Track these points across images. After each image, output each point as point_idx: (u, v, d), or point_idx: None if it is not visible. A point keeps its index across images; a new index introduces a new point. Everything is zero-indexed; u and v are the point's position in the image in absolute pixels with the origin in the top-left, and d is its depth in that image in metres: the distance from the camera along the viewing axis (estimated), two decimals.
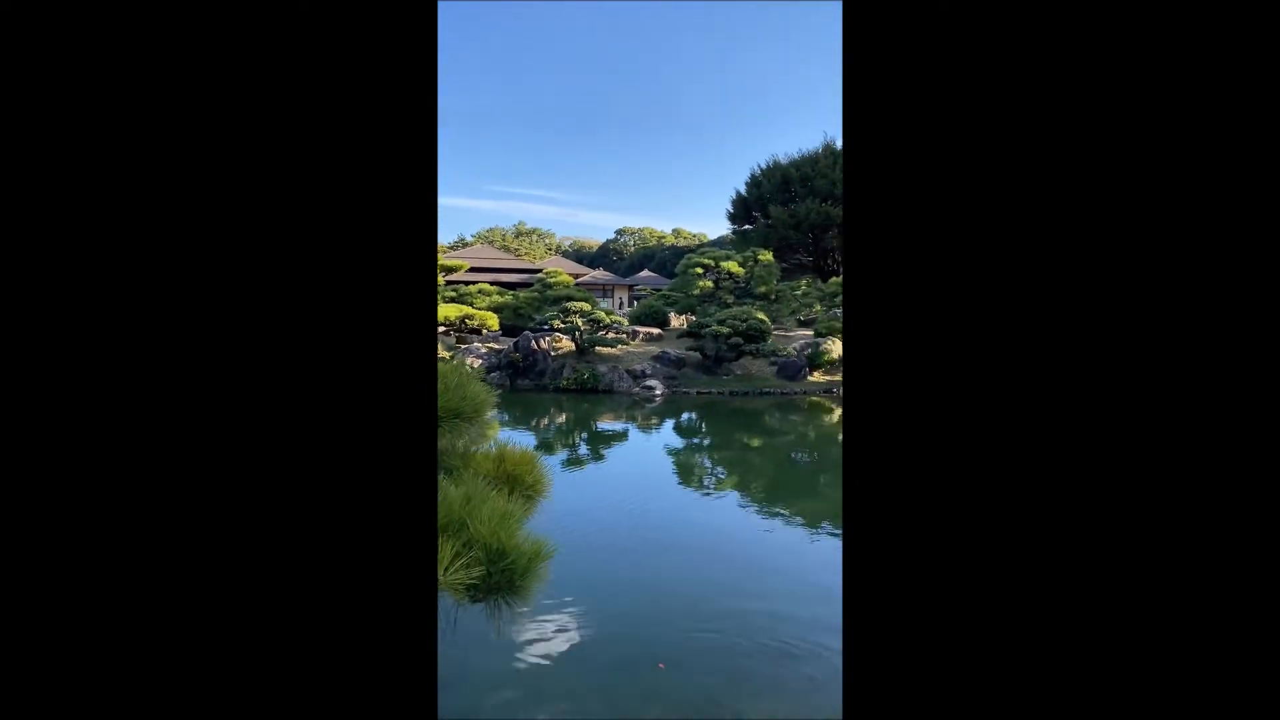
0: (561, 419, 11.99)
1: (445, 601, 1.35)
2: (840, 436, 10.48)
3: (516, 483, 1.87)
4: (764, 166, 28.63)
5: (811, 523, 6.03)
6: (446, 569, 1.25)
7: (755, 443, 10.11)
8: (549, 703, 3.00)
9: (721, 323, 14.79)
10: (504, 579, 1.35)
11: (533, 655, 3.28)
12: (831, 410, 12.45)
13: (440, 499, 1.49)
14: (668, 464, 8.76)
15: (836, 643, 3.53)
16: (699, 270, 18.05)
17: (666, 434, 11.01)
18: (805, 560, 5.05)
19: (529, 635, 3.45)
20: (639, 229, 58.76)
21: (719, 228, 72.37)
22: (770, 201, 27.17)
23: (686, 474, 8.36)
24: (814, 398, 13.83)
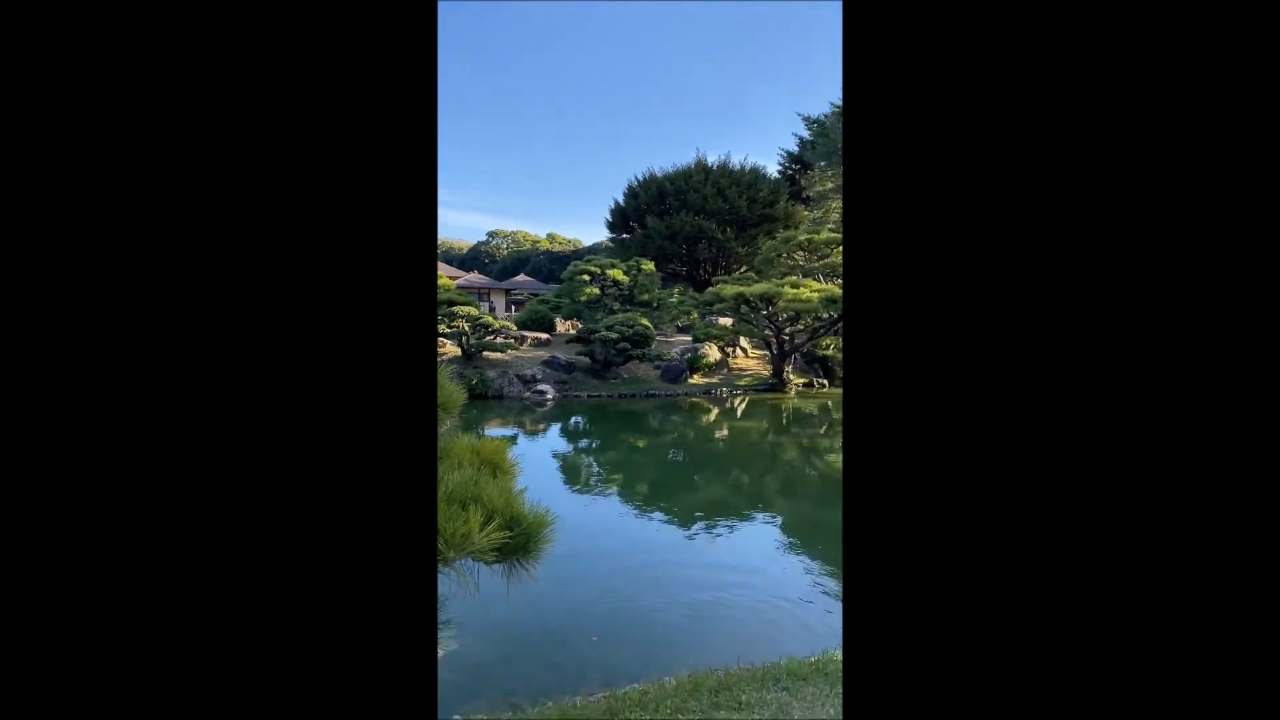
0: (445, 426, 11.74)
1: (468, 564, 1.60)
2: (717, 433, 11.30)
3: (495, 468, 2.11)
4: (641, 179, 29.65)
5: (683, 514, 6.59)
6: (480, 534, 1.51)
7: (641, 443, 10.63)
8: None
9: (610, 328, 15.24)
10: (521, 541, 1.61)
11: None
12: (710, 410, 13.33)
13: (449, 481, 1.73)
14: (583, 461, 9.00)
15: (665, 606, 4.05)
16: (586, 277, 18.42)
17: (563, 434, 11.21)
18: (665, 546, 5.57)
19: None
20: (512, 232, 57.89)
21: (594, 234, 73.19)
22: (647, 212, 28.20)
23: (586, 470, 8.66)
24: (694, 399, 14.69)
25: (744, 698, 2.38)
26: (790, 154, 32.33)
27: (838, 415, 12.82)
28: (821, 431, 11.52)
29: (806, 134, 30.85)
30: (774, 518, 6.58)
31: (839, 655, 2.83)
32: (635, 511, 6.74)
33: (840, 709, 2.21)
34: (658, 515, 6.61)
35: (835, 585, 4.49)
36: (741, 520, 6.44)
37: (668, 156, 74.32)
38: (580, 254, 33.15)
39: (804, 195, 29.05)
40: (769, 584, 4.58)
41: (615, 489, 7.84)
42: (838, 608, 4.17)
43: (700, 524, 6.21)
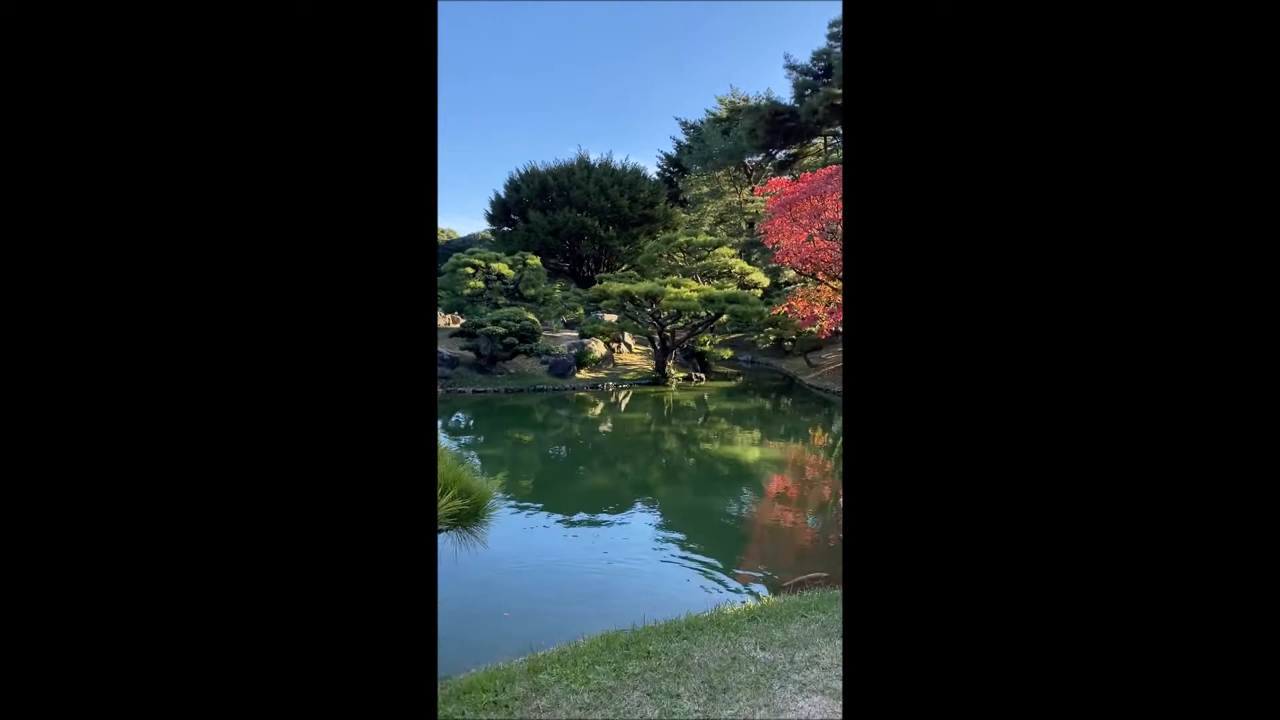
0: None
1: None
2: (602, 426, 11.69)
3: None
4: (523, 171, 29.33)
5: (575, 501, 6.91)
6: (442, 502, 1.71)
7: (527, 437, 10.75)
8: None
9: (496, 323, 15.09)
10: (472, 509, 1.82)
11: None
12: (596, 404, 13.68)
13: None
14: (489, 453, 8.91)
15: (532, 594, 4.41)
16: (469, 270, 18.02)
17: (446, 431, 11.02)
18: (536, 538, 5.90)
19: None
20: None
21: (469, 225, 70.84)
22: (530, 207, 27.98)
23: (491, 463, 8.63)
24: (581, 393, 14.96)
25: (651, 648, 2.72)
26: (668, 157, 33.47)
27: (714, 407, 13.69)
28: (699, 422, 12.27)
29: (684, 138, 32.13)
30: (655, 503, 7.05)
31: (729, 609, 3.27)
32: (520, 501, 6.91)
33: (734, 652, 2.62)
34: (548, 501, 6.84)
35: (714, 558, 5.01)
36: (629, 506, 6.85)
37: (547, 151, 73.61)
38: (456, 245, 32.12)
39: (681, 198, 30.23)
40: (658, 558, 5.00)
41: (496, 483, 7.94)
42: (721, 575, 4.68)
43: (591, 511, 6.53)
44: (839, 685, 2.36)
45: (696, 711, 2.17)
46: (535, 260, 19.43)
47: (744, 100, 29.65)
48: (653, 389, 15.83)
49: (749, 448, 10.16)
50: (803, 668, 2.48)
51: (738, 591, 4.27)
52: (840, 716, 2.17)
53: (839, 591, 3.48)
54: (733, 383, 17.24)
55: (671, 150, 33.37)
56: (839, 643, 2.69)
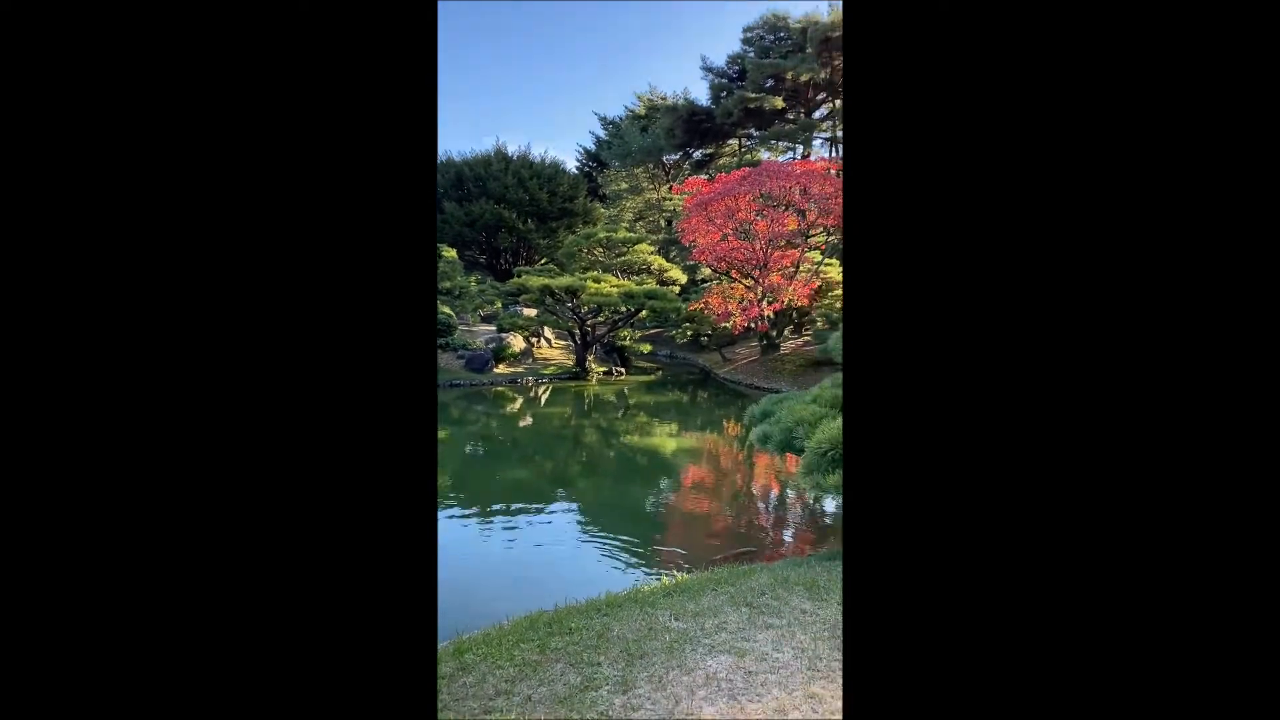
0: None
1: None
2: (522, 421, 11.68)
3: None
4: (439, 161, 28.46)
5: (495, 494, 6.97)
6: None
7: (443, 434, 10.60)
8: None
9: None
10: None
11: None
12: (515, 399, 13.63)
13: None
14: None
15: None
16: None
17: None
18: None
19: None
20: None
21: None
22: (444, 197, 27.21)
23: None
24: (499, 388, 14.83)
25: (573, 625, 2.88)
26: (588, 152, 33.48)
27: (633, 400, 13.97)
28: (619, 416, 12.51)
29: (603, 134, 32.23)
30: (576, 495, 7.20)
31: (646, 587, 3.49)
32: (439, 497, 6.87)
33: (650, 623, 2.83)
34: (468, 497, 6.83)
35: (634, 544, 5.24)
36: (550, 499, 6.96)
37: (462, 142, 71.49)
38: None
39: (601, 193, 30.36)
40: (580, 546, 5.16)
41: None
42: (641, 558, 4.90)
43: (511, 505, 6.59)
44: (743, 645, 2.62)
45: (616, 675, 2.36)
46: (451, 252, 18.99)
47: (662, 99, 30.13)
48: (573, 383, 15.92)
49: (667, 439, 10.48)
50: (712, 633, 2.73)
51: (655, 572, 4.50)
52: (742, 672, 2.43)
53: (746, 566, 3.78)
54: (652, 376, 17.61)
55: (591, 145, 33.41)
56: (744, 610, 2.96)
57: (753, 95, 24.98)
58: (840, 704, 2.23)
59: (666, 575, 3.86)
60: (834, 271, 16.93)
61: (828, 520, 6.05)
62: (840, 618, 2.91)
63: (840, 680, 2.38)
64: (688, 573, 3.88)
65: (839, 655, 2.56)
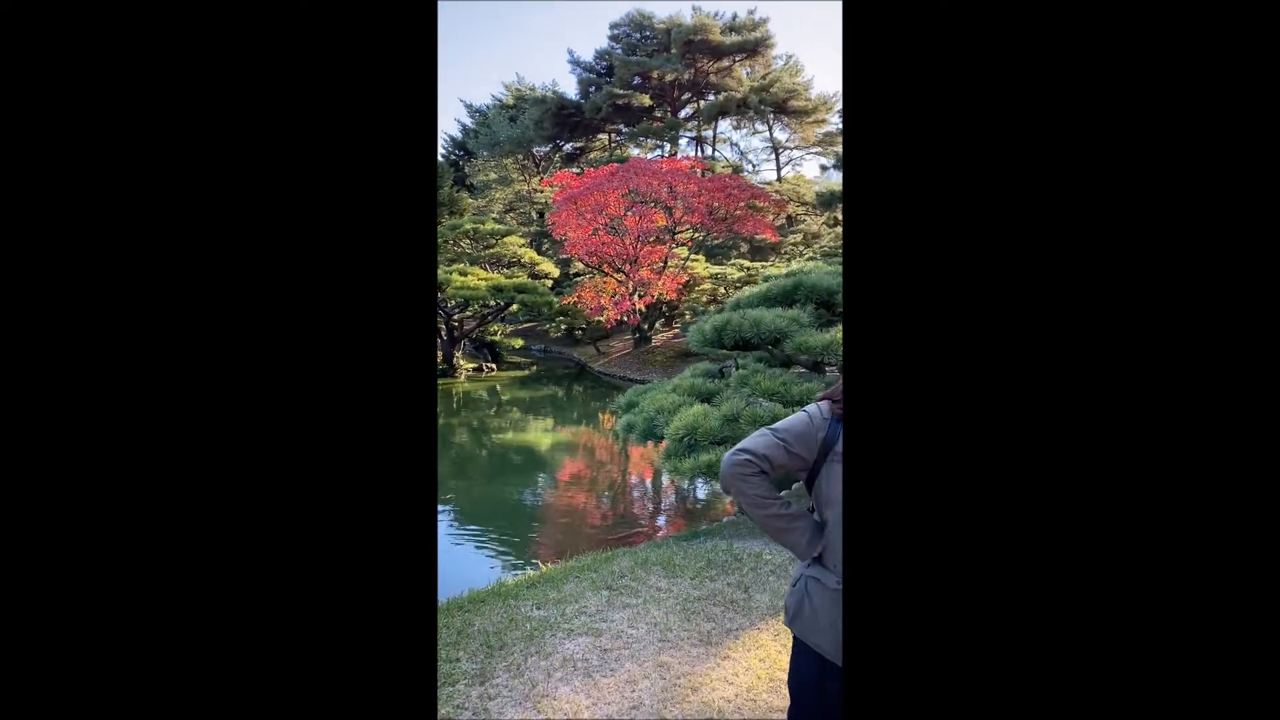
0: None
1: None
2: None
3: None
4: None
5: None
6: None
7: None
8: None
9: None
10: None
11: None
12: None
13: None
14: None
15: None
16: None
17: None
18: None
19: None
20: None
21: None
22: None
23: None
24: None
25: (440, 622, 2.87)
26: (454, 140, 32.21)
27: (506, 397, 13.77)
28: (491, 413, 12.28)
29: (470, 123, 31.17)
30: (447, 496, 7.03)
31: (510, 581, 3.53)
32: None
33: (512, 615, 2.89)
34: None
35: (506, 541, 5.24)
36: None
37: None
38: None
39: (468, 183, 29.37)
40: (451, 549, 5.06)
41: None
42: (511, 554, 4.92)
43: None
44: (600, 626, 2.76)
45: (474, 669, 2.40)
46: None
47: (530, 90, 29.67)
48: (441, 381, 15.36)
49: (543, 435, 10.47)
50: (572, 618, 2.84)
51: (522, 566, 4.54)
52: (598, 650, 2.56)
53: (609, 552, 3.94)
54: (525, 372, 17.42)
55: (457, 134, 32.16)
56: (605, 593, 3.11)
57: (621, 92, 25.35)
58: (686, 669, 2.43)
59: (531, 568, 3.92)
60: (699, 267, 17.71)
61: (699, 504, 6.41)
62: (692, 591, 3.14)
63: (687, 648, 2.59)
64: (548, 564, 3.97)
65: (689, 626, 2.77)
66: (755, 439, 1.53)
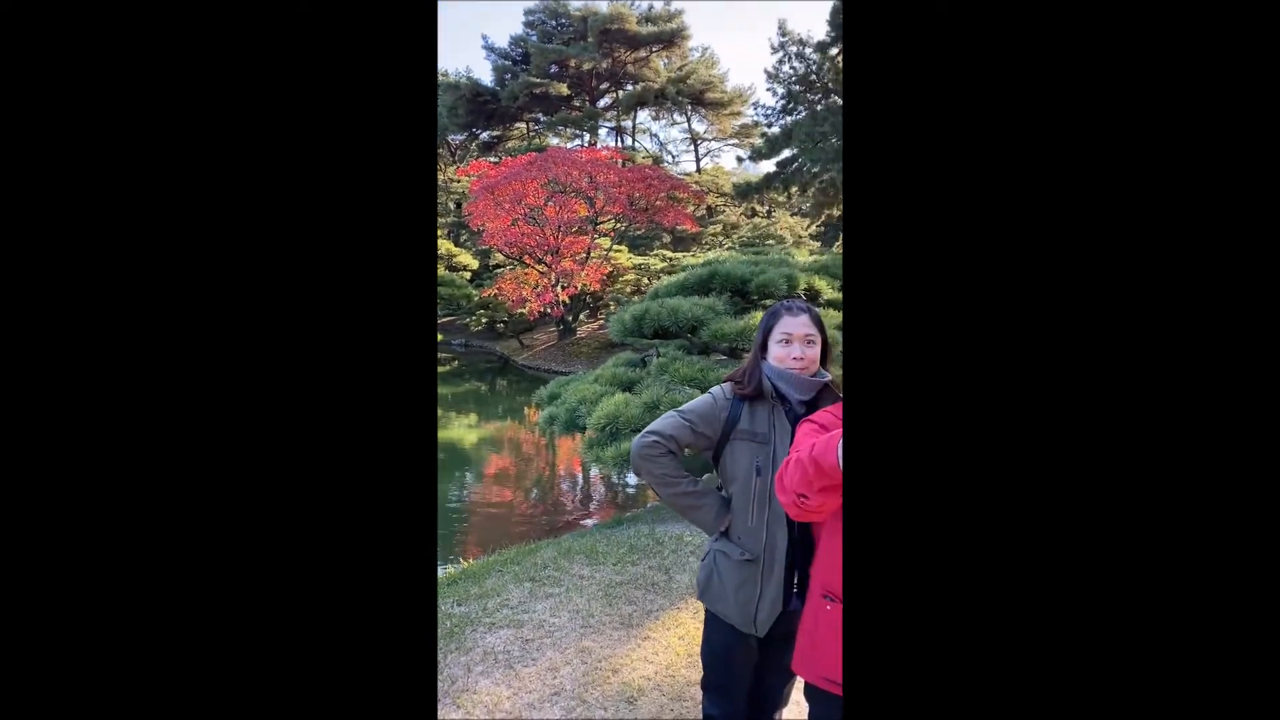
0: None
1: None
2: None
3: None
4: None
5: None
6: None
7: None
8: None
9: None
10: None
11: None
12: None
13: None
14: None
15: None
16: None
17: None
18: None
19: None
20: None
21: None
22: None
23: None
24: None
25: None
26: None
27: None
28: None
29: None
30: None
31: None
32: None
33: None
34: None
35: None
36: None
37: None
38: None
39: None
40: None
41: None
42: (440, 552, 4.78)
43: None
44: (522, 617, 2.76)
45: None
46: None
47: (444, 75, 28.64)
48: None
49: (467, 431, 10.24)
50: (494, 611, 2.82)
51: (443, 564, 4.45)
52: (520, 641, 2.56)
53: (533, 544, 3.93)
54: (447, 367, 16.94)
55: None
56: (527, 585, 3.10)
57: (538, 80, 24.92)
58: (607, 652, 2.47)
59: (453, 565, 3.85)
60: (623, 257, 17.76)
61: (629, 493, 6.47)
62: (614, 577, 3.18)
63: (608, 632, 2.63)
64: (470, 560, 3.92)
65: (610, 611, 2.82)
66: (663, 421, 1.58)
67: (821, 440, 1.11)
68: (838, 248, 15.03)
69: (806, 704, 1.33)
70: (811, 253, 14.40)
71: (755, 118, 23.74)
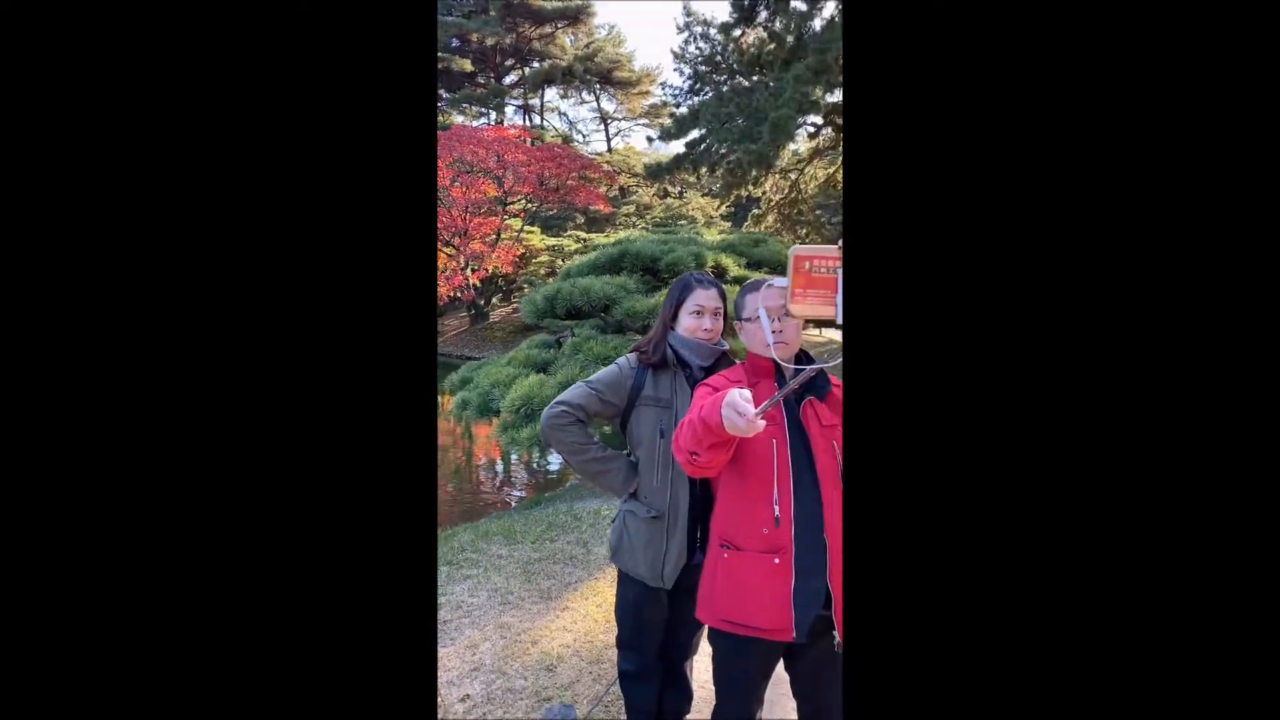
0: None
1: None
2: None
3: None
4: None
5: None
6: None
7: None
8: None
9: None
10: None
11: None
12: None
13: None
14: None
15: None
16: None
17: None
18: None
19: None
20: None
21: None
22: None
23: None
24: None
25: None
26: None
27: None
28: None
29: None
30: None
31: None
32: None
33: None
34: None
35: None
36: None
37: None
38: None
39: None
40: None
41: None
42: None
43: None
44: (440, 600, 2.73)
45: None
46: None
47: None
48: None
49: None
50: None
51: None
52: (438, 624, 2.54)
53: (450, 529, 3.88)
54: None
55: None
56: (444, 569, 3.07)
57: (439, 55, 23.82)
58: (526, 625, 2.50)
59: None
60: (535, 239, 17.48)
61: (551, 474, 6.46)
62: (532, 554, 3.21)
63: (527, 607, 2.66)
64: None
65: (529, 587, 2.84)
66: (571, 391, 1.63)
67: (709, 401, 1.18)
68: (747, 227, 15.48)
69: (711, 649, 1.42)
70: (721, 233, 14.76)
71: (664, 98, 23.90)
